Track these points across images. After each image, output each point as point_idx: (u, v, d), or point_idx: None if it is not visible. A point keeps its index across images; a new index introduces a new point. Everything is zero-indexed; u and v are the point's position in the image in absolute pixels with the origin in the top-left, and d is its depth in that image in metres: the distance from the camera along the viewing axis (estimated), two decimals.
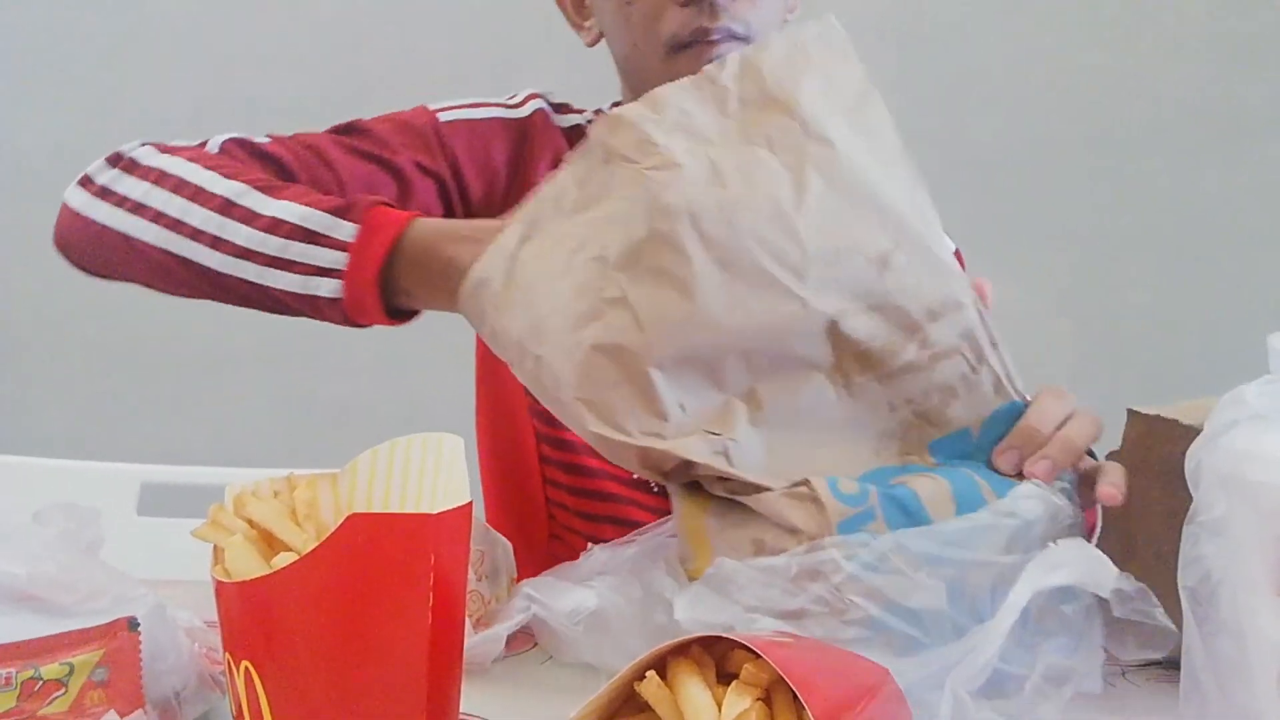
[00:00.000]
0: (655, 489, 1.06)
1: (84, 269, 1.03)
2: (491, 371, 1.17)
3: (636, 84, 1.08)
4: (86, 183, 1.00)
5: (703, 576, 0.74)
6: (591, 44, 1.13)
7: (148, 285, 0.99)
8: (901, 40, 2.17)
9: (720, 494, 0.78)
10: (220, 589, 0.62)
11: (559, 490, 1.12)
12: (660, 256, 0.76)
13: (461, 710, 0.65)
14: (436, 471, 0.62)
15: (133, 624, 0.67)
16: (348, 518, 0.59)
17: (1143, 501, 0.82)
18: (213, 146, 1.02)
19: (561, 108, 1.16)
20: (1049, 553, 0.72)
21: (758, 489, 0.77)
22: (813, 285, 0.77)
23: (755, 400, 0.79)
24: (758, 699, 0.55)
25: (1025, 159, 2.19)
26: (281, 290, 0.90)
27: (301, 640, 0.60)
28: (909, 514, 0.75)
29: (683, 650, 0.59)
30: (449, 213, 1.08)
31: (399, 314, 0.90)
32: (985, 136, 2.19)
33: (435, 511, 0.61)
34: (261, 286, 0.91)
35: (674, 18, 1.02)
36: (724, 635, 0.59)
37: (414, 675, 0.60)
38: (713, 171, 0.77)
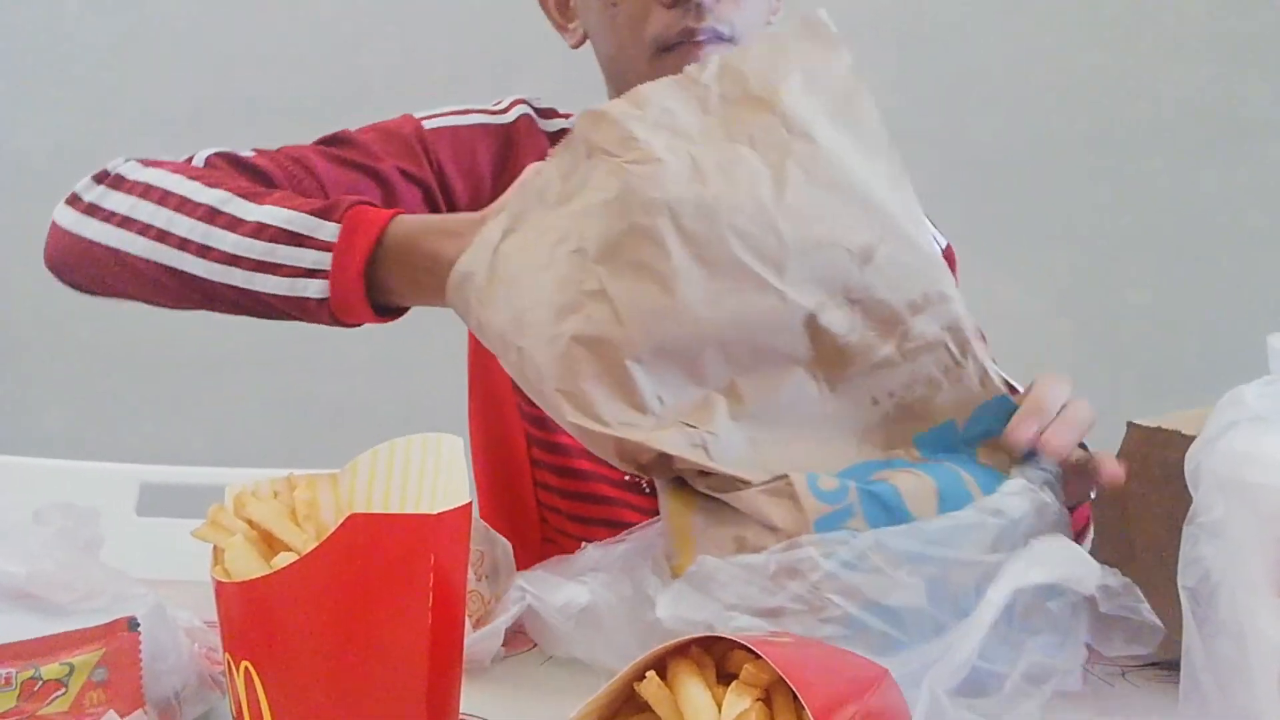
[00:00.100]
0: (647, 490, 1.07)
1: (76, 286, 1.04)
2: (483, 376, 1.17)
3: (622, 86, 1.09)
4: (74, 201, 1.01)
5: (684, 574, 0.75)
6: (576, 45, 1.13)
7: (140, 299, 1.00)
8: (901, 40, 2.18)
9: (703, 490, 0.78)
10: (220, 589, 0.62)
11: (551, 494, 1.13)
12: (640, 250, 0.77)
13: (461, 710, 0.65)
14: (436, 471, 0.62)
15: (132, 624, 0.67)
16: (347, 518, 0.59)
17: (1142, 506, 0.82)
18: (198, 160, 1.04)
19: (546, 113, 1.17)
20: (1030, 550, 0.72)
21: (738, 483, 0.77)
22: (792, 279, 0.77)
23: (736, 394, 0.79)
24: (758, 699, 0.55)
25: (1025, 159, 2.19)
26: (270, 294, 0.91)
27: (301, 640, 0.60)
28: (889, 510, 0.75)
29: (683, 650, 0.59)
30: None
31: (386, 311, 0.91)
32: (985, 136, 2.19)
33: (435, 511, 0.61)
34: (250, 291, 0.92)
35: (659, 19, 1.02)
36: (724, 635, 0.59)
37: (414, 675, 0.60)
38: (693, 167, 0.78)
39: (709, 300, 0.77)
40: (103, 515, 0.76)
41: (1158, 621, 0.70)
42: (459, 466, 0.64)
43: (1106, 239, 2.21)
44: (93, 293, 1.03)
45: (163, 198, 0.96)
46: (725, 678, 0.58)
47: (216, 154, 1.04)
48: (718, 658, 0.59)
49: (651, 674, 0.57)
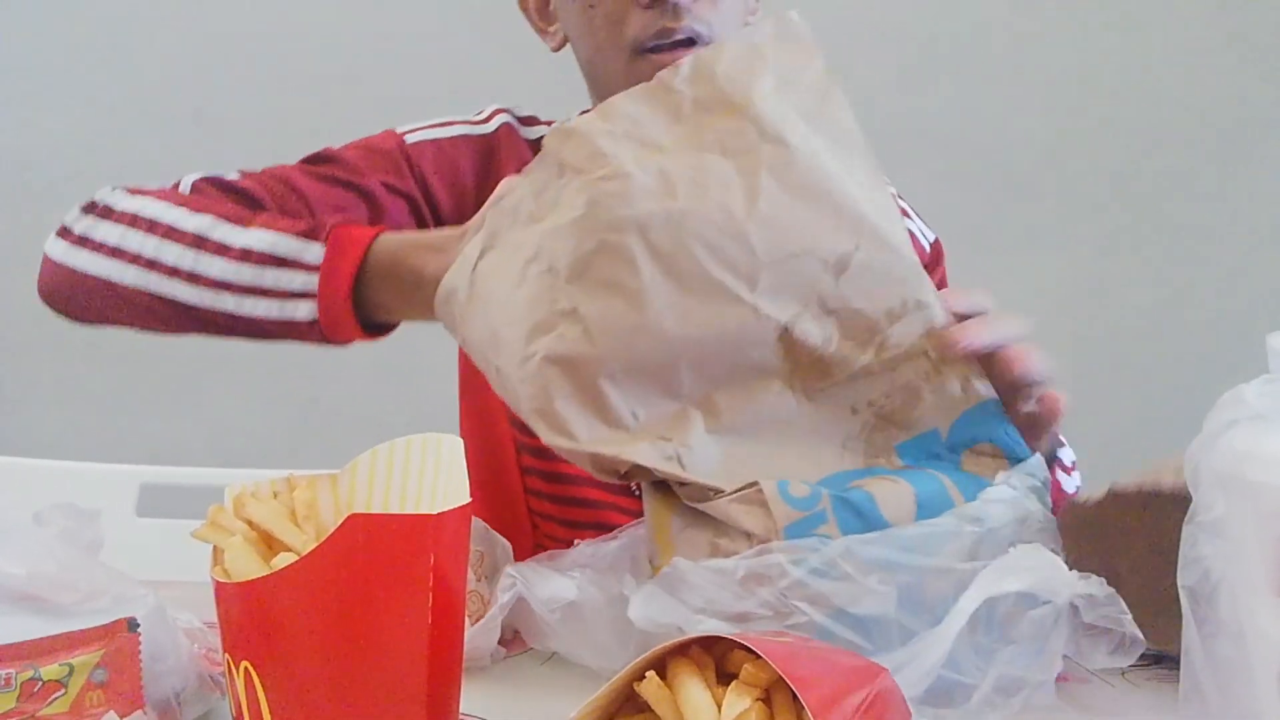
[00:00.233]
0: (636, 492, 1.07)
1: (71, 317, 1.05)
2: (472, 384, 1.18)
3: (601, 88, 1.10)
4: (65, 233, 1.03)
5: (658, 576, 0.75)
6: (556, 49, 1.14)
7: (135, 326, 1.02)
8: (902, 40, 2.18)
9: (682, 497, 0.79)
10: (220, 590, 0.62)
11: (541, 500, 1.13)
12: (610, 268, 0.77)
13: (461, 710, 0.65)
14: (436, 472, 0.62)
15: (132, 625, 0.67)
16: (347, 518, 0.59)
17: (1122, 531, 0.82)
18: (184, 186, 1.05)
19: (528, 120, 1.17)
20: (1006, 558, 0.71)
21: (710, 492, 0.77)
22: (764, 291, 0.77)
23: (712, 408, 0.79)
24: (757, 699, 0.55)
25: (1025, 159, 2.19)
26: (261, 318, 0.92)
27: (301, 640, 0.60)
28: (863, 517, 0.74)
29: (683, 650, 0.59)
30: (422, 230, 1.09)
31: (376, 329, 0.92)
32: (986, 136, 2.19)
33: (435, 512, 0.61)
34: (241, 316, 0.93)
35: (637, 20, 1.02)
36: (724, 635, 0.59)
37: (414, 675, 0.60)
38: (662, 180, 0.77)
39: (680, 316, 0.77)
40: (103, 516, 0.76)
41: (1139, 633, 0.69)
42: (459, 466, 0.64)
43: (1106, 239, 2.21)
44: (88, 322, 1.05)
45: (150, 226, 0.97)
46: (725, 678, 0.58)
47: (202, 179, 1.05)
48: (718, 658, 0.59)
49: (651, 674, 0.57)
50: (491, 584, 0.87)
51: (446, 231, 0.89)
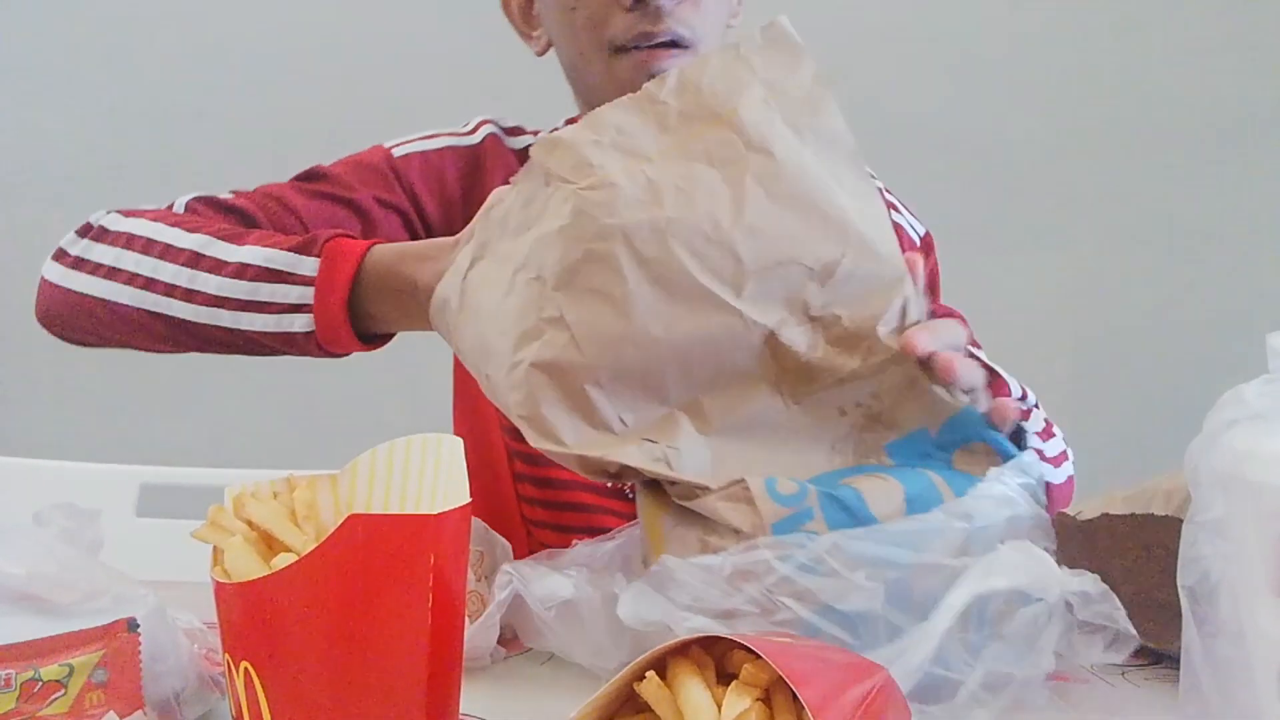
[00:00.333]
0: (630, 495, 1.07)
1: (69, 339, 1.06)
2: (465, 392, 1.19)
3: (584, 90, 1.11)
4: (61, 256, 1.04)
5: (647, 574, 0.75)
6: (541, 53, 1.14)
7: (133, 346, 1.03)
8: (902, 40, 2.18)
9: (672, 496, 0.79)
10: (220, 590, 0.62)
11: (534, 507, 1.13)
12: (596, 276, 0.77)
13: (461, 710, 0.65)
14: (436, 472, 0.62)
15: (132, 625, 0.67)
16: (347, 518, 0.59)
17: (1113, 538, 0.82)
18: (178, 206, 1.06)
19: (513, 130, 1.18)
20: (995, 555, 0.71)
21: (698, 490, 0.77)
22: (750, 298, 0.78)
23: (700, 412, 0.79)
24: (757, 699, 0.55)
25: (1025, 159, 2.19)
26: (258, 332, 0.93)
27: (301, 640, 0.60)
28: (851, 513, 0.75)
29: (683, 650, 0.59)
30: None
31: (372, 339, 0.94)
32: (987, 136, 2.19)
33: (435, 512, 0.61)
34: (238, 331, 0.94)
35: (618, 22, 1.03)
36: (723, 635, 0.59)
37: (414, 675, 0.60)
38: (649, 189, 0.78)
39: (667, 323, 0.77)
40: (103, 516, 0.76)
41: (1133, 630, 0.69)
42: (459, 466, 0.64)
43: (1106, 239, 2.20)
44: (86, 344, 1.06)
45: (146, 246, 0.98)
46: (725, 678, 0.58)
47: (195, 199, 1.06)
48: (718, 658, 0.59)
49: (651, 674, 0.57)
50: (491, 584, 0.87)
51: (438, 241, 0.90)
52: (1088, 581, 0.70)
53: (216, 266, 0.95)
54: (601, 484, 1.07)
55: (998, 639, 0.71)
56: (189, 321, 0.95)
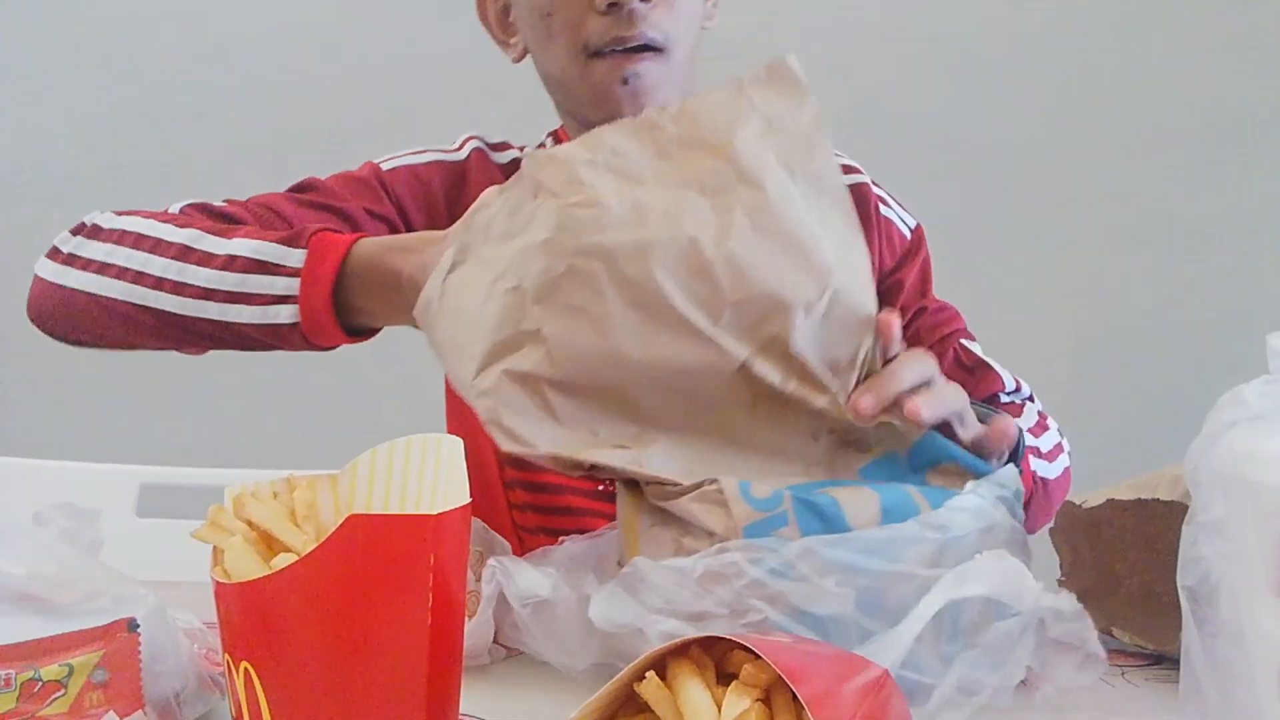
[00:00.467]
0: None
1: (60, 337, 1.07)
2: (456, 396, 1.18)
3: (561, 96, 1.12)
4: (54, 253, 1.05)
5: (619, 576, 0.75)
6: (517, 60, 1.15)
7: (122, 342, 1.03)
8: (902, 40, 2.17)
9: (649, 497, 0.80)
10: (220, 590, 0.62)
11: (525, 512, 1.14)
12: (576, 293, 0.77)
13: (461, 710, 0.65)
14: (436, 472, 0.62)
15: (132, 625, 0.67)
16: (347, 518, 0.59)
17: (1118, 532, 0.82)
18: (172, 209, 1.07)
19: (499, 146, 1.20)
20: (969, 564, 0.71)
21: (672, 489, 0.78)
22: (726, 326, 0.78)
23: (672, 431, 0.80)
24: (757, 699, 0.55)
25: (1025, 159, 2.19)
26: (245, 324, 0.94)
27: (301, 640, 0.60)
28: (826, 520, 0.75)
29: (682, 650, 0.59)
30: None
31: (358, 332, 0.94)
32: (987, 136, 2.19)
33: (435, 512, 0.61)
34: (225, 323, 0.95)
35: (593, 25, 1.03)
36: (723, 636, 0.59)
37: (414, 675, 0.60)
38: (636, 212, 0.78)
39: (643, 344, 0.77)
40: (103, 516, 0.76)
41: (1102, 652, 0.70)
42: (459, 466, 0.64)
43: (1106, 239, 2.20)
44: (76, 342, 1.07)
45: (137, 241, 0.99)
46: (725, 678, 0.58)
47: (190, 204, 1.08)
48: (718, 658, 0.59)
49: (651, 674, 0.57)
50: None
51: (422, 234, 0.91)
52: (1062, 599, 0.70)
53: (206, 259, 0.95)
54: (592, 487, 1.08)
55: (971, 649, 0.71)
56: (177, 314, 0.96)
